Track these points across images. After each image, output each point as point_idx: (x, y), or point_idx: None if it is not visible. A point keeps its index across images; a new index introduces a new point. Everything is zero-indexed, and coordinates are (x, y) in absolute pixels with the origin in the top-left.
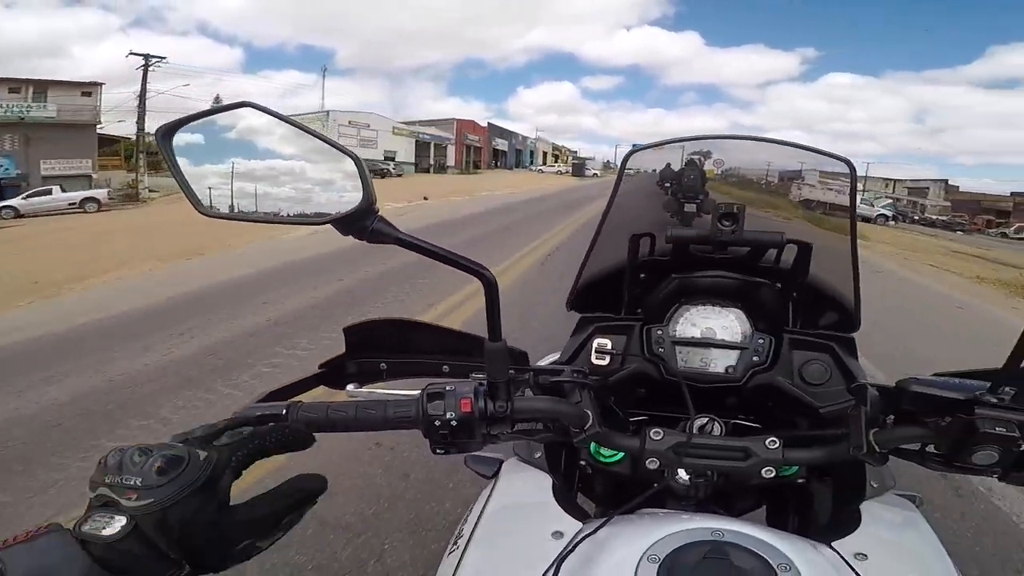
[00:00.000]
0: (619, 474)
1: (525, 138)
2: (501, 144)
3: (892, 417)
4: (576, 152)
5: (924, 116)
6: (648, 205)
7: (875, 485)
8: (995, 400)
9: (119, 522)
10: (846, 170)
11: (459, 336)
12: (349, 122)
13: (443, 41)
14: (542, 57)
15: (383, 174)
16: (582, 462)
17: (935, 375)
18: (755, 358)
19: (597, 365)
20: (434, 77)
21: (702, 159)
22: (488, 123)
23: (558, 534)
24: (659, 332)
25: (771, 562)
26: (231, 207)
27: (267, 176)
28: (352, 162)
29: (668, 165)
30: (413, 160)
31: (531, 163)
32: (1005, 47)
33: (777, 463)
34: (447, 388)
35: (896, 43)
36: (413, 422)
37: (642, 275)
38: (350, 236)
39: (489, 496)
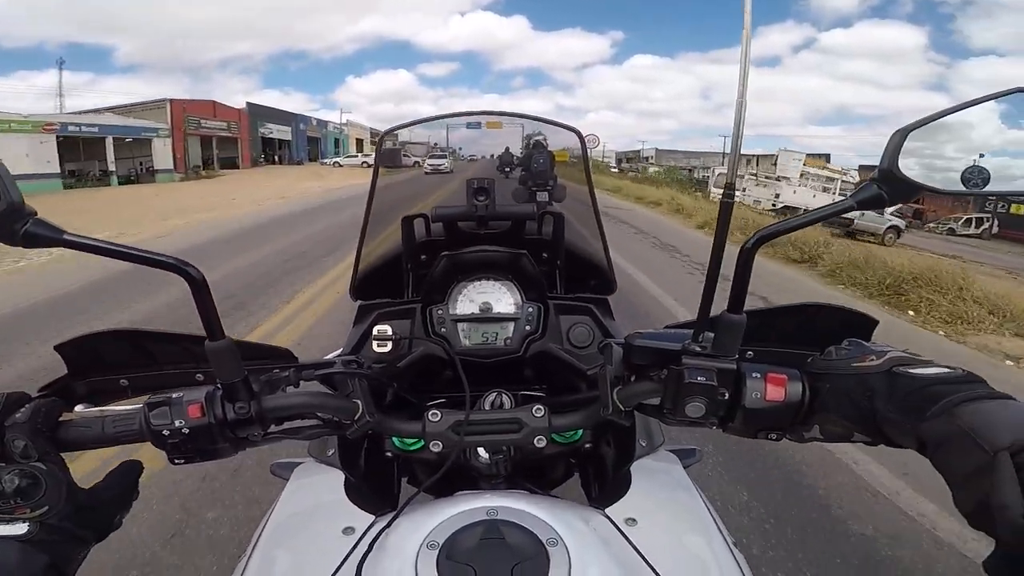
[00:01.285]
0: (428, 460)
1: (326, 123)
2: (281, 132)
3: (635, 376)
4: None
5: (710, 93)
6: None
7: (643, 444)
8: (698, 349)
9: (23, 527)
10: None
11: (196, 340)
12: None
13: (252, 32)
14: (374, 46)
15: None
16: (388, 453)
17: (665, 327)
18: (527, 327)
19: (379, 353)
20: (245, 70)
21: (545, 140)
22: (248, 104)
23: (349, 530)
24: (440, 311)
25: (540, 537)
26: None
27: None
28: None
29: (507, 149)
30: (58, 168)
31: (336, 153)
32: (767, 27)
33: (545, 431)
34: (173, 396)
35: (686, 24)
36: (138, 435)
37: (422, 257)
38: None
39: (277, 502)
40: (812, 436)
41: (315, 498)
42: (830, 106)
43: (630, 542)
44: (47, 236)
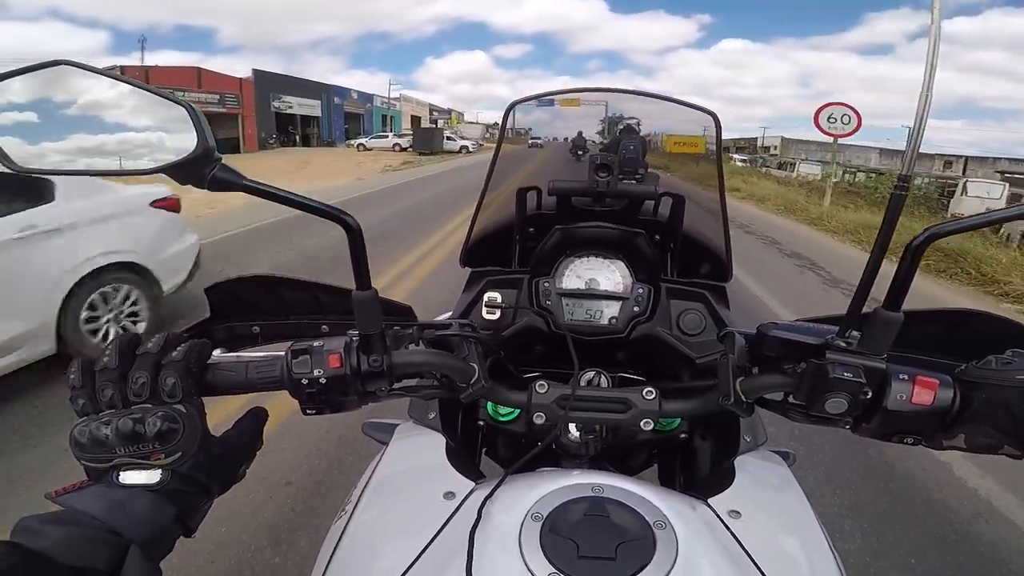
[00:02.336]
0: (518, 433)
1: (371, 96)
2: (305, 106)
3: (758, 367)
4: (450, 112)
5: (809, 80)
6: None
7: (748, 440)
8: (843, 344)
9: (156, 474)
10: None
11: (334, 291)
12: None
13: (339, 14)
14: (451, 27)
15: None
16: (480, 421)
17: (796, 320)
18: (636, 308)
19: (488, 320)
20: (334, 51)
21: (638, 124)
22: (254, 71)
23: (450, 495)
24: (546, 284)
25: (647, 518)
26: (55, 162)
27: (94, 129)
28: (186, 111)
29: (580, 133)
30: None
31: (384, 133)
32: (879, 15)
33: (654, 414)
34: (314, 344)
35: (782, 9)
36: (279, 383)
37: (531, 229)
38: (189, 185)
39: (380, 460)
40: (953, 445)
41: (417, 460)
42: (952, 98)
43: (733, 534)
44: (230, 181)
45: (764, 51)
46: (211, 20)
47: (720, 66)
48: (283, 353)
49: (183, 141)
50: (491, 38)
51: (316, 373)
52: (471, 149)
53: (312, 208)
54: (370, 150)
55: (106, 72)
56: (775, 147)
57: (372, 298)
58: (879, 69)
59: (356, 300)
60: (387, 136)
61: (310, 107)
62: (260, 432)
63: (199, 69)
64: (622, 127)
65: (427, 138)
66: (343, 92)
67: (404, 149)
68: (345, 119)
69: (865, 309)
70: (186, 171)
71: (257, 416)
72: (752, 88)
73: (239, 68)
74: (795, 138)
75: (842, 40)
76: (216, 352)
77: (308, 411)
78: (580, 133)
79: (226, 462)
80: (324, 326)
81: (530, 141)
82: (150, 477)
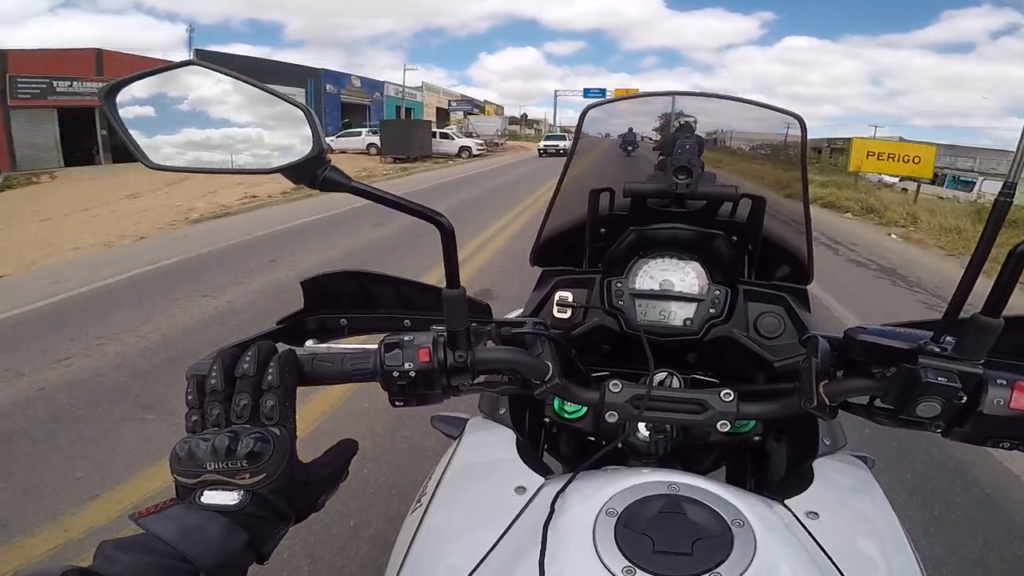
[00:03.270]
0: (583, 432)
1: (381, 84)
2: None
3: (843, 371)
4: (471, 104)
5: (881, 79)
6: (618, 175)
7: (827, 443)
8: (938, 349)
9: (238, 494)
10: None
11: (420, 288)
12: None
13: (396, 10)
14: (503, 23)
15: None
16: (546, 419)
17: (883, 325)
18: (712, 310)
19: (559, 318)
20: (392, 46)
21: (694, 123)
22: (196, 52)
23: (521, 489)
24: (619, 285)
25: (725, 517)
26: (182, 159)
27: (217, 128)
28: (302, 113)
29: (630, 129)
30: None
31: (355, 129)
32: (958, 12)
33: (731, 416)
34: (405, 339)
35: (851, 7)
36: (371, 374)
37: (602, 229)
38: (302, 184)
39: (453, 453)
40: None
41: (489, 454)
42: None
43: (811, 535)
44: (339, 182)
45: (831, 49)
46: (279, 15)
47: (783, 63)
48: (375, 346)
49: (296, 141)
50: (542, 34)
51: (407, 366)
52: (475, 151)
53: (410, 209)
54: (344, 152)
55: (230, 73)
56: None
57: (460, 296)
58: (958, 68)
59: (446, 297)
60: (359, 133)
61: (294, 96)
62: (347, 464)
63: (98, 51)
64: (678, 125)
65: (400, 136)
66: (340, 79)
67: (380, 149)
68: (343, 111)
69: (962, 315)
70: (301, 172)
71: (347, 448)
72: (818, 87)
73: (302, 61)
74: (919, 142)
75: (918, 38)
76: (309, 343)
77: (396, 403)
78: (631, 129)
79: (308, 489)
80: (406, 320)
81: (545, 143)
82: (231, 498)
